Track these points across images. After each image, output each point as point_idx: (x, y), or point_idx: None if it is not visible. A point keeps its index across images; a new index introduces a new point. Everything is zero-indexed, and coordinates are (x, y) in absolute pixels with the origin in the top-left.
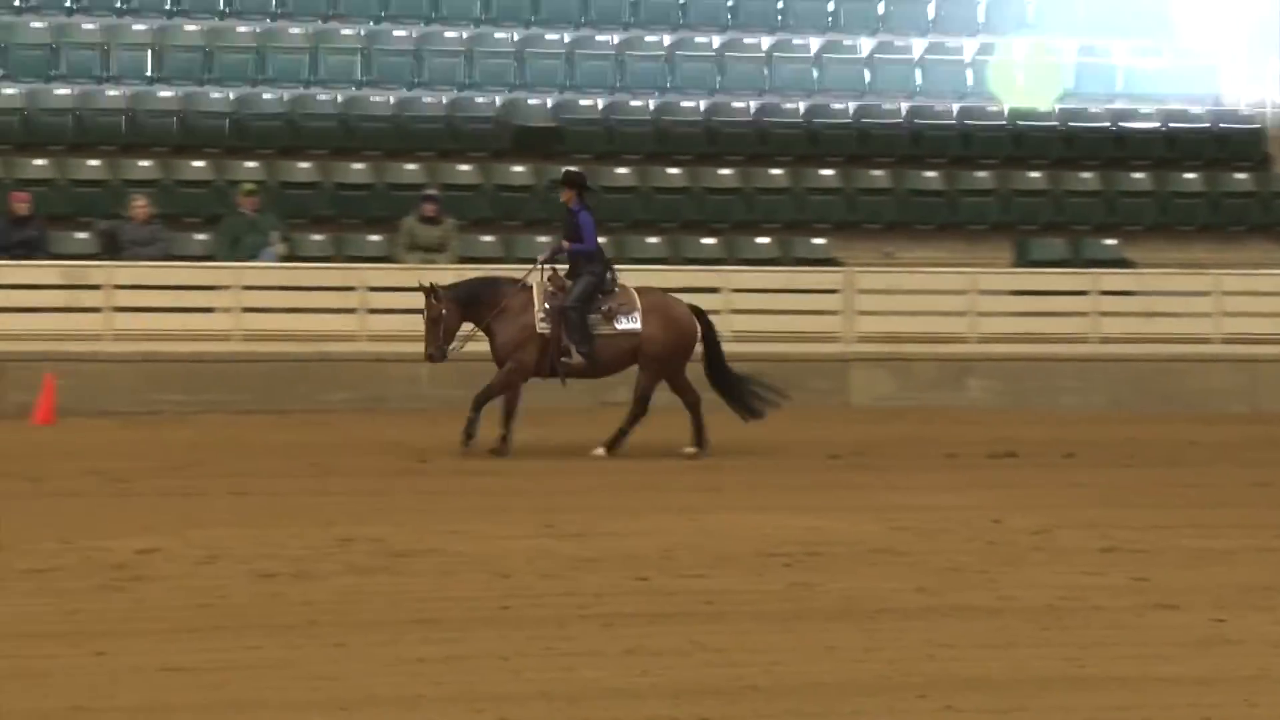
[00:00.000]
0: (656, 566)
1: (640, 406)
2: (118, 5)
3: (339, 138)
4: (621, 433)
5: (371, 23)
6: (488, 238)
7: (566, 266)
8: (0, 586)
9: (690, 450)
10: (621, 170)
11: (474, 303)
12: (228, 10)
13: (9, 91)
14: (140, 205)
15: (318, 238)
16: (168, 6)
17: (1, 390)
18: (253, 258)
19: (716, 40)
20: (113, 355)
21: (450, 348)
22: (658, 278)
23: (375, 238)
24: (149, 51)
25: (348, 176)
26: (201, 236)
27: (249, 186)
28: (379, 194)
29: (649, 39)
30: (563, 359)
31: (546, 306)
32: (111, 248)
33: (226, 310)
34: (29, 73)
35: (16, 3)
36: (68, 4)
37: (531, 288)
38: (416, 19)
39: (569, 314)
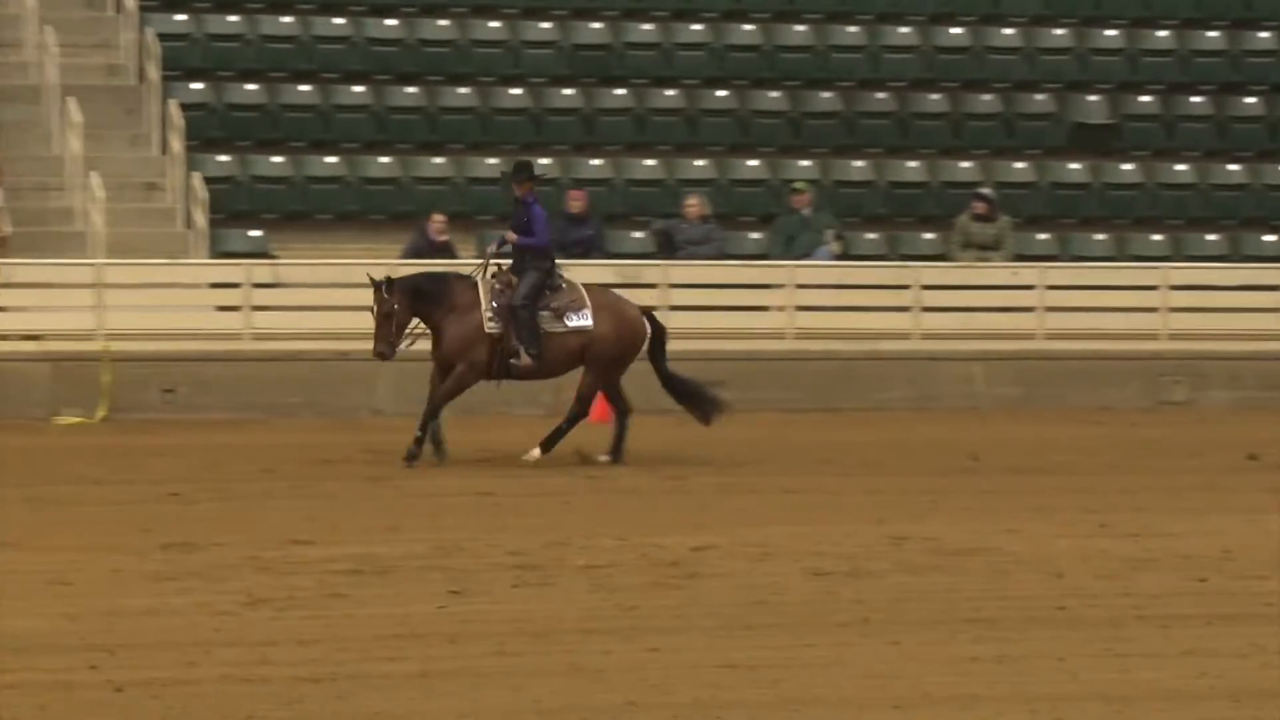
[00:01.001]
0: (1215, 568)
1: (582, 406)
2: (674, 7)
3: (894, 136)
4: (559, 432)
5: (929, 22)
6: (1043, 235)
7: (509, 261)
8: (558, 582)
9: (603, 458)
10: (1180, 167)
11: (423, 298)
12: (786, 10)
13: (567, 92)
14: (694, 204)
15: (871, 236)
16: (726, 9)
17: (557, 387)
18: (806, 256)
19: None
20: (669, 354)
21: (401, 345)
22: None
23: (929, 236)
24: (706, 52)
25: (902, 175)
26: (756, 235)
27: (801, 185)
28: (933, 192)
29: (1209, 35)
30: (511, 360)
31: (494, 305)
32: (666, 247)
33: (780, 309)
34: (589, 74)
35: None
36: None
37: (478, 284)
38: (973, 16)
39: (518, 313)
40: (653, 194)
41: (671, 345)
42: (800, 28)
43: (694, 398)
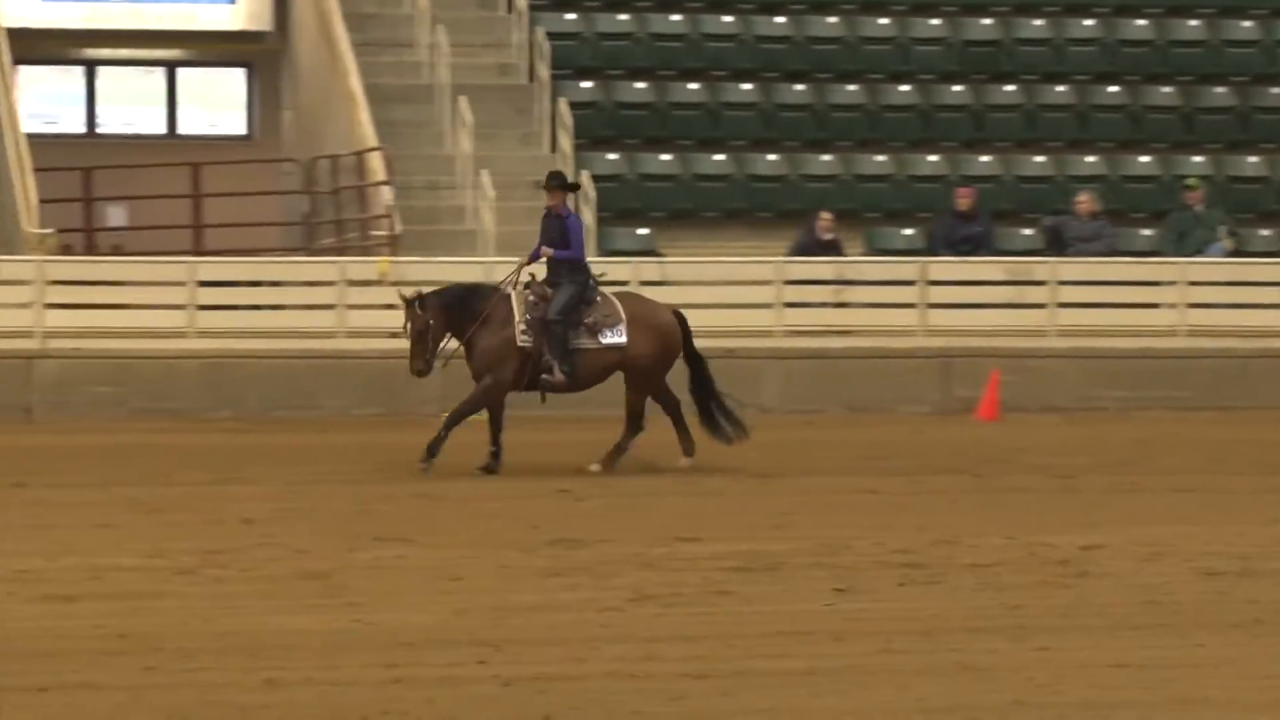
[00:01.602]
0: None
1: (638, 422)
2: (1065, 3)
3: None
4: (619, 449)
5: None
6: None
7: (545, 273)
8: (946, 581)
9: (684, 462)
10: None
11: (456, 312)
12: (1179, 6)
13: (956, 89)
14: (1084, 201)
15: (1265, 232)
16: (1118, 4)
17: (947, 385)
18: (1198, 253)
19: None
20: (1056, 351)
21: (437, 361)
22: None
23: None
24: (1097, 48)
25: None
26: (1147, 232)
27: (1193, 182)
28: None
29: None
30: (543, 376)
31: (528, 318)
32: (1056, 243)
33: (1171, 306)
34: (979, 70)
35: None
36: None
37: (510, 296)
38: None
39: (552, 328)
40: (1042, 191)
41: (1064, 343)
42: (1193, 23)
43: (719, 416)
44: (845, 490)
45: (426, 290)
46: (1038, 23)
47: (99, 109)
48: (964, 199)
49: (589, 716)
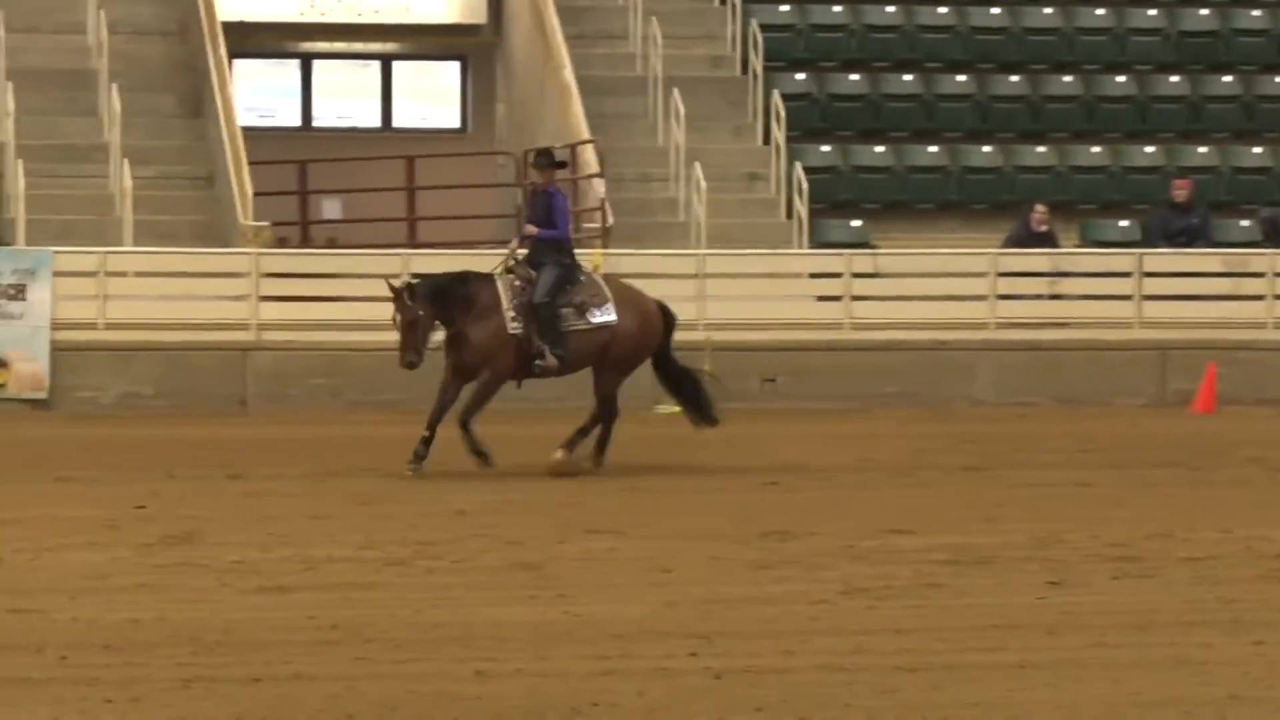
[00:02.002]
0: None
1: (612, 406)
2: None
3: None
4: (603, 441)
5: None
6: None
7: (523, 254)
8: (1160, 574)
9: (585, 467)
10: None
11: (446, 302)
12: None
13: (1174, 79)
14: None
15: None
16: None
17: (1163, 378)
18: None
19: None
20: (1273, 344)
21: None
22: None
23: None
24: None
25: None
26: None
27: None
28: None
29: None
30: (537, 362)
31: (515, 303)
32: (1273, 235)
33: None
34: (1196, 60)
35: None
36: None
37: (495, 282)
38: None
39: (540, 311)
40: (1260, 182)
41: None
42: None
43: (693, 399)
44: (1058, 483)
45: (414, 280)
46: (1256, 13)
47: (314, 102)
48: (1180, 190)
49: (800, 709)
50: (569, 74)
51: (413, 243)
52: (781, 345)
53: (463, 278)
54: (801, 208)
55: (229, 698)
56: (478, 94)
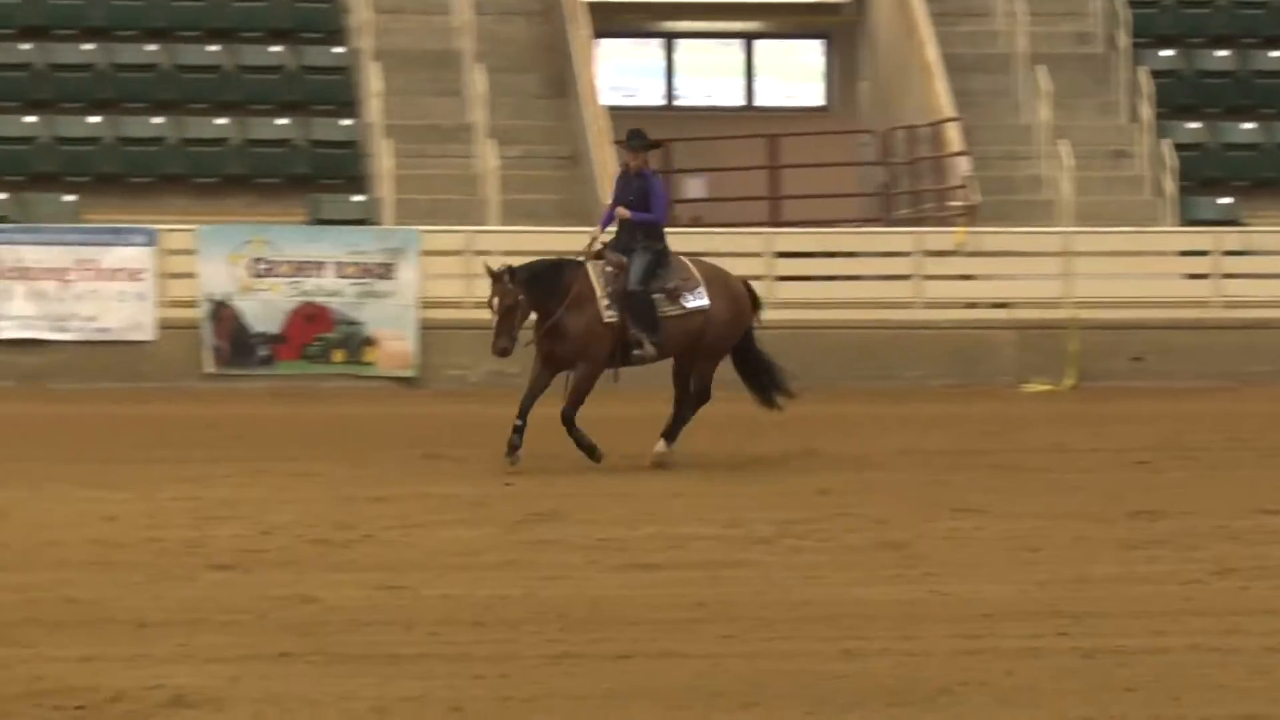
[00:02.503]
0: None
1: (708, 392)
2: None
3: None
4: (677, 428)
5: None
6: None
7: (611, 239)
8: None
9: (663, 449)
10: None
11: (541, 288)
12: None
13: None
14: None
15: None
16: None
17: None
18: None
19: None
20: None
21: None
22: None
23: None
24: None
25: None
26: None
27: None
28: None
29: None
30: (635, 351)
31: (610, 290)
32: None
33: None
34: None
35: None
36: None
37: (587, 269)
38: None
39: (636, 298)
40: None
41: None
42: None
43: (763, 383)
44: None
45: (515, 264)
46: None
47: (677, 81)
48: None
49: (1172, 689)
50: (932, 51)
51: (776, 222)
52: (1149, 323)
53: (556, 264)
54: (1170, 185)
55: (598, 673)
56: (841, 72)
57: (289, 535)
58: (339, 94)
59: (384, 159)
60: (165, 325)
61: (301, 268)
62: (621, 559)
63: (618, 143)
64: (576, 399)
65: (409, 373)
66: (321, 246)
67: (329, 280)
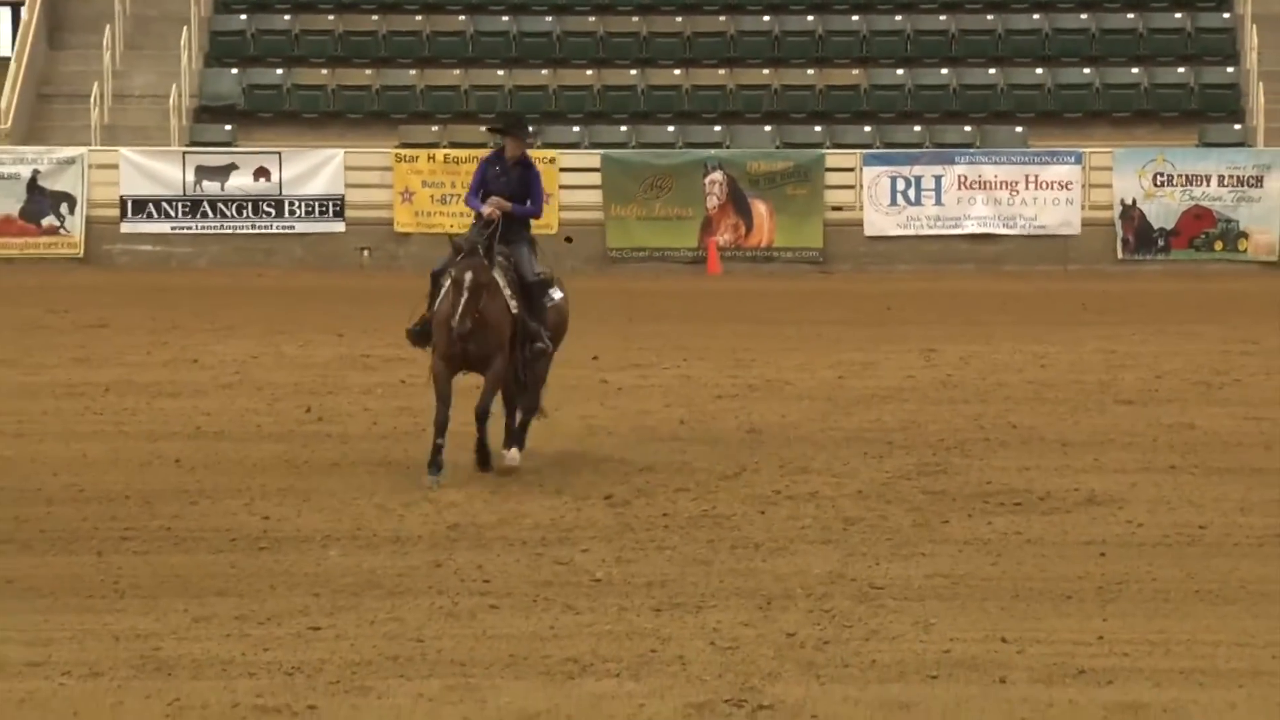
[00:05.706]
0: None
1: (537, 394)
2: None
3: None
4: (523, 427)
5: None
6: None
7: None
8: None
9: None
10: None
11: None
12: None
13: None
14: None
15: None
16: None
17: None
18: None
19: None
20: None
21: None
22: None
23: None
24: None
25: None
26: None
27: None
28: None
29: None
30: (537, 344)
31: (508, 279)
32: None
33: None
34: None
35: None
36: None
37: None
38: None
39: (534, 290)
40: None
41: None
42: None
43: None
44: None
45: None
46: None
47: None
48: None
49: None
50: None
51: None
52: None
53: (475, 247)
54: None
55: None
56: None
57: (1177, 379)
58: (1224, 48)
59: (1258, 97)
60: (1087, 223)
61: (1191, 179)
62: None
63: (497, 130)
64: (493, 394)
65: (1273, 258)
66: (1207, 164)
67: (1212, 189)
